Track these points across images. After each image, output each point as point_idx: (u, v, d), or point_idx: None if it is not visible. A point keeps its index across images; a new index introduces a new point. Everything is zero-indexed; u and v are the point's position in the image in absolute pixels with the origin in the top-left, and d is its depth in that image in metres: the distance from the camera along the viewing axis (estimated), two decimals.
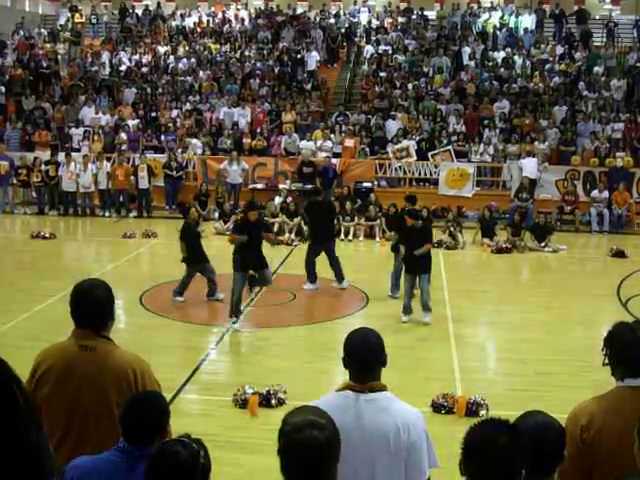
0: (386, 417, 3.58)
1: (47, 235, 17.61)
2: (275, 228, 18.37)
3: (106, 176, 20.82)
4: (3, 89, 25.43)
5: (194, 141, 22.20)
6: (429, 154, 21.41)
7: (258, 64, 26.77)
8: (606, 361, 3.68)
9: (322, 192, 15.85)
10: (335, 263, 13.33)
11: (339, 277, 13.37)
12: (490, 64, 26.14)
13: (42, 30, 31.00)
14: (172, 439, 3.03)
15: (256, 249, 11.21)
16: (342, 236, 18.11)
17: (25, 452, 1.84)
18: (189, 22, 31.23)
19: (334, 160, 21.05)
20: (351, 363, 3.70)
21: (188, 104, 24.38)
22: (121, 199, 21.12)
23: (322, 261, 13.44)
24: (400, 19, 30.29)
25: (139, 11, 32.58)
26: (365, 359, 3.66)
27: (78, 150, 22.22)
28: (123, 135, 22.61)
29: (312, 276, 13.38)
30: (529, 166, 20.20)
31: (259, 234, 11.31)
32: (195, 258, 12.35)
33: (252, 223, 11.18)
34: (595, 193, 19.94)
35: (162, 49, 28.59)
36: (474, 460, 2.80)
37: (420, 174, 21.40)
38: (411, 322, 11.39)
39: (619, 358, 3.62)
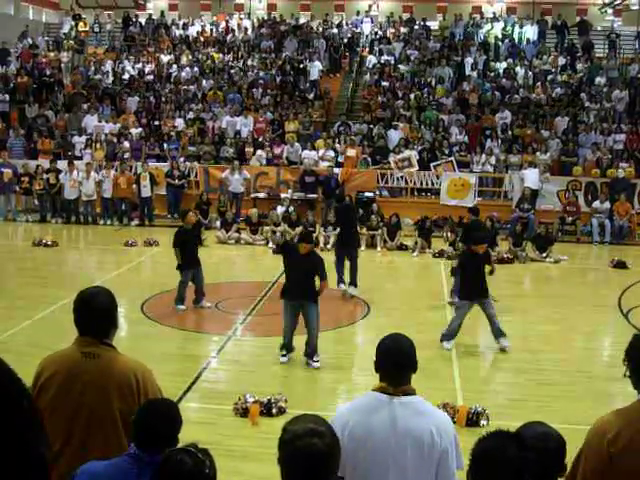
0: (421, 420, 3.65)
1: (49, 243, 17.65)
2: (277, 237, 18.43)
3: (111, 185, 20.86)
4: (7, 97, 25.53)
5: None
6: (431, 164, 21.44)
7: (261, 73, 26.84)
8: (627, 373, 3.65)
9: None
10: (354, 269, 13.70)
11: (352, 282, 13.65)
12: (492, 75, 26.19)
13: (46, 38, 31.12)
14: (178, 448, 3.03)
15: (302, 281, 9.77)
16: None
17: (31, 459, 1.85)
18: (192, 31, 31.36)
19: (336, 170, 21.07)
20: (384, 366, 3.78)
21: (191, 113, 24.45)
22: (123, 207, 21.15)
23: (330, 271, 13.42)
24: (402, 29, 30.37)
25: (142, 20, 32.73)
26: (399, 363, 3.75)
27: (80, 158, 22.25)
28: (126, 143, 22.67)
29: (340, 278, 13.66)
30: (531, 177, 20.21)
31: (309, 268, 9.80)
32: (187, 263, 12.39)
33: (302, 256, 9.80)
34: (597, 204, 19.94)
35: (165, 58, 28.66)
36: (482, 472, 2.81)
37: (422, 184, 21.42)
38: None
39: None
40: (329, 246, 17.49)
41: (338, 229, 15.06)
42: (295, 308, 9.81)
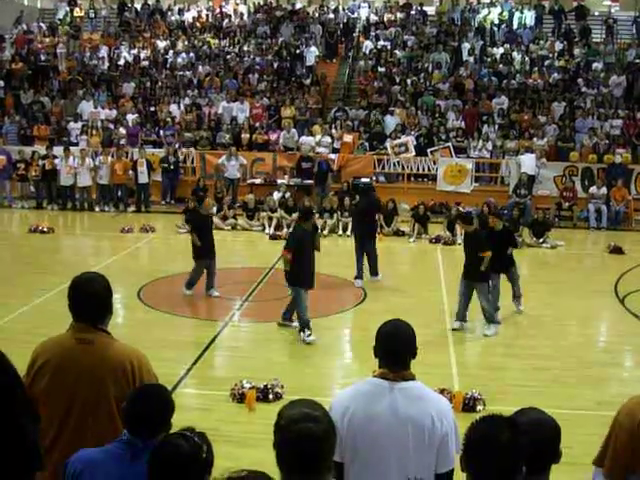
0: (421, 406, 3.66)
1: (45, 229, 17.61)
2: (273, 223, 18.41)
3: (108, 171, 20.80)
4: (2, 83, 25.41)
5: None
6: (428, 150, 21.42)
7: (257, 59, 26.75)
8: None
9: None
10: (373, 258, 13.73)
11: (359, 272, 13.60)
12: (489, 60, 26.12)
13: (41, 24, 30.93)
14: (176, 432, 3.03)
15: (309, 263, 10.35)
16: (340, 231, 18.19)
17: (25, 443, 1.85)
18: (188, 16, 31.16)
19: (332, 156, 21.05)
20: (383, 352, 3.79)
21: (187, 99, 24.37)
22: (119, 194, 21.10)
23: (327, 257, 13.44)
24: (399, 14, 30.18)
25: (138, 5, 32.48)
26: (398, 348, 3.76)
27: (76, 144, 22.17)
28: (122, 130, 22.60)
29: (358, 272, 13.57)
30: (527, 162, 20.21)
31: (313, 245, 10.45)
32: (205, 252, 12.32)
33: (309, 235, 10.40)
34: (593, 189, 19.94)
35: (161, 44, 28.54)
36: (476, 456, 2.81)
37: (419, 170, 21.41)
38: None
39: None
40: (325, 232, 17.55)
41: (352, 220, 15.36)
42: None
